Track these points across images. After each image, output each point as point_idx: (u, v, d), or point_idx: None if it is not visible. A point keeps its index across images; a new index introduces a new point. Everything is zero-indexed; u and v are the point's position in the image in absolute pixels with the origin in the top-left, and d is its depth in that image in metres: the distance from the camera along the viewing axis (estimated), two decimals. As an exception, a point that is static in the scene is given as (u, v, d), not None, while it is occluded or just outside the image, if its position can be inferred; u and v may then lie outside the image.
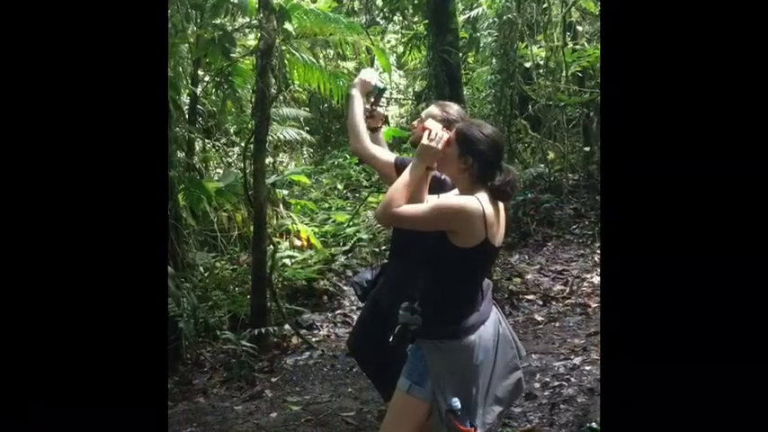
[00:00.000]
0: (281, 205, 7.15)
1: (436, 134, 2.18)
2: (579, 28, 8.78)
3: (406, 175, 2.18)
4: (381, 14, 10.43)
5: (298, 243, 6.77)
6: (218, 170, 7.69)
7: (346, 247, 6.94)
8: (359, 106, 2.74)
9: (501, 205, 2.21)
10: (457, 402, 2.09)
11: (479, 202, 2.10)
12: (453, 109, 2.70)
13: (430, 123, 2.25)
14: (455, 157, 2.17)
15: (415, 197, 2.20)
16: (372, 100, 2.93)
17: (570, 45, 7.86)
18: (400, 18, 10.68)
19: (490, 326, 2.20)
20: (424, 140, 2.18)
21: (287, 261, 6.30)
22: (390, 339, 2.23)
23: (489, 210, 2.11)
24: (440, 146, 2.17)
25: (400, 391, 2.22)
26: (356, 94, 2.77)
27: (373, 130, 2.91)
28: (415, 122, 2.88)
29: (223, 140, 7.99)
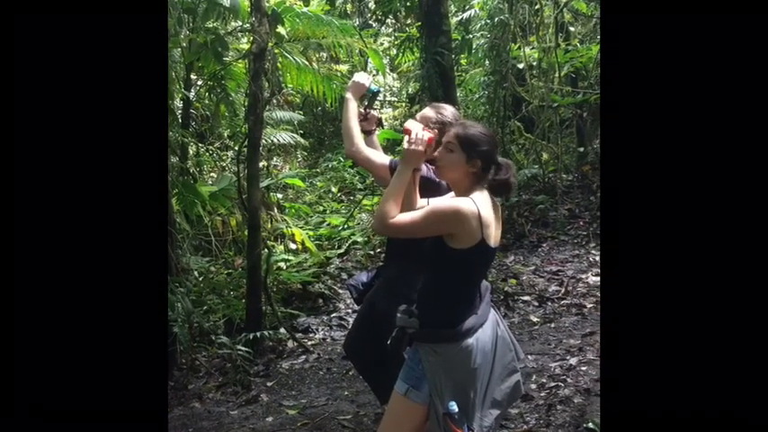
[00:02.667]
0: (276, 209, 7.14)
1: (416, 136, 2.17)
2: (572, 29, 8.80)
3: (394, 182, 2.17)
4: (374, 17, 10.46)
5: (292, 246, 6.76)
6: (211, 174, 7.67)
7: (341, 250, 6.94)
8: (353, 109, 2.74)
9: (498, 206, 2.21)
10: (454, 406, 2.08)
11: (474, 202, 2.10)
12: (448, 111, 2.70)
13: (409, 124, 2.24)
14: (463, 162, 2.17)
15: (407, 201, 2.20)
16: (366, 103, 2.93)
17: (563, 46, 7.88)
18: (393, 20, 10.72)
19: (488, 328, 2.19)
20: (405, 145, 2.18)
21: (282, 264, 6.29)
22: (388, 342, 2.23)
23: (485, 210, 2.11)
24: (421, 147, 2.17)
25: (397, 394, 2.21)
26: (350, 97, 2.77)
27: (367, 133, 2.91)
28: (409, 125, 2.88)
29: (217, 144, 7.97)
